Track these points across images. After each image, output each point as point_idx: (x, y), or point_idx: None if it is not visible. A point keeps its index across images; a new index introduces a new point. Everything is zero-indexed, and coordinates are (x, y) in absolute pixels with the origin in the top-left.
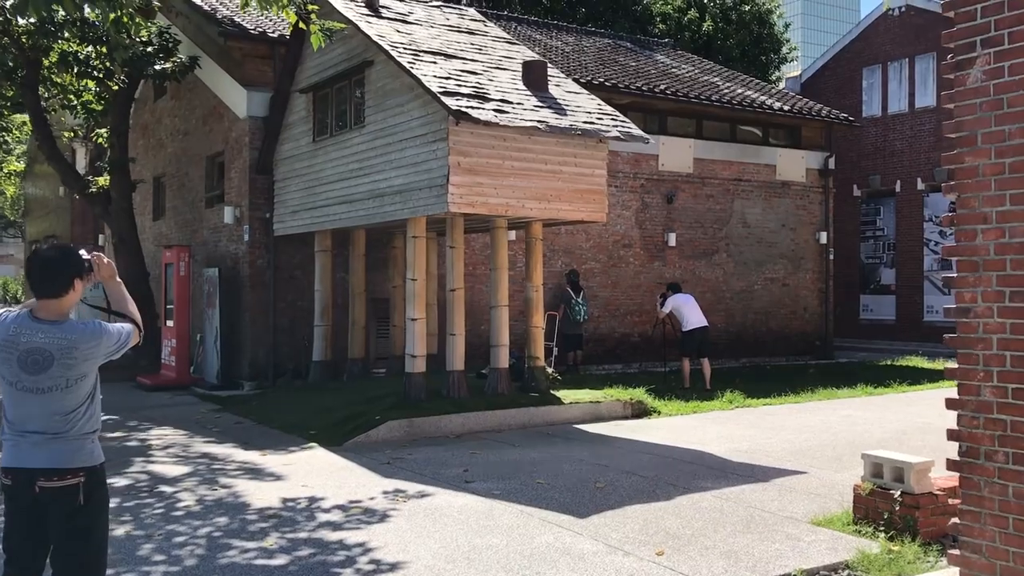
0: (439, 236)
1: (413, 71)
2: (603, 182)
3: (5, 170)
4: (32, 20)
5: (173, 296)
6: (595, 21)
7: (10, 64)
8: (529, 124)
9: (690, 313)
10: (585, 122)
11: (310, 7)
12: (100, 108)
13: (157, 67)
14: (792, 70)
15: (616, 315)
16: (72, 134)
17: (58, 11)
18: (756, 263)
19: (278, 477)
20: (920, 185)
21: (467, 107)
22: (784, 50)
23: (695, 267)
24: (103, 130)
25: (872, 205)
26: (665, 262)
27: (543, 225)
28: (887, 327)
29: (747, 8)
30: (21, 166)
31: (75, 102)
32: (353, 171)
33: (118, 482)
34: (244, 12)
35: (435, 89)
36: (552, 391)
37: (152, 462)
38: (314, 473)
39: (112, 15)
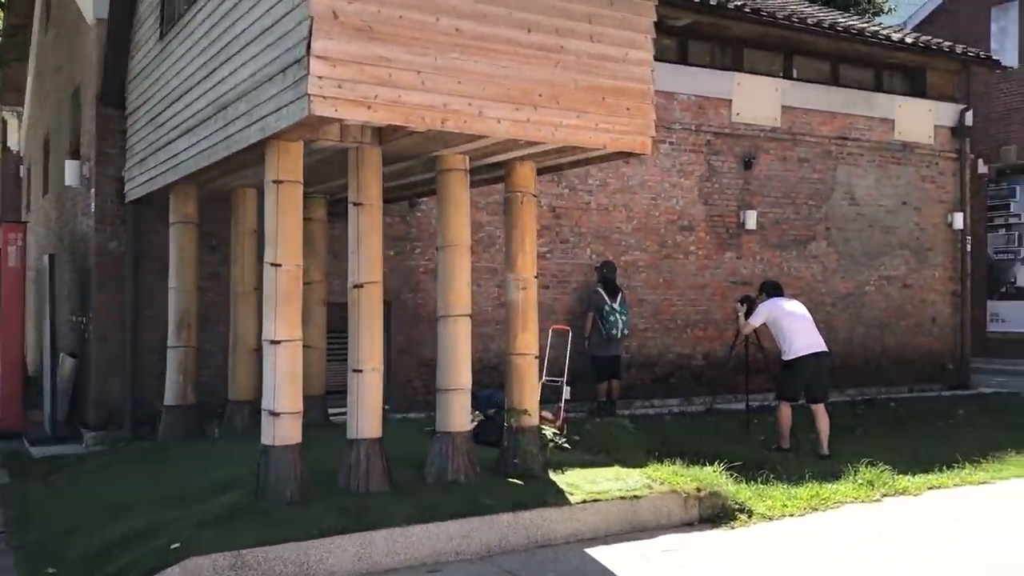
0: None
1: None
2: (646, 75)
3: None
4: None
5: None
6: None
7: None
8: None
9: (798, 330)
10: None
11: None
12: None
13: None
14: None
15: (670, 328)
16: None
17: None
18: (867, 255)
19: None
20: None
21: None
22: None
23: (783, 260)
24: None
25: (1004, 185)
26: (740, 252)
27: (536, 167)
28: None
29: None
30: None
31: None
32: (196, 73)
33: None
34: None
35: None
36: (552, 472)
37: None
38: None
39: None
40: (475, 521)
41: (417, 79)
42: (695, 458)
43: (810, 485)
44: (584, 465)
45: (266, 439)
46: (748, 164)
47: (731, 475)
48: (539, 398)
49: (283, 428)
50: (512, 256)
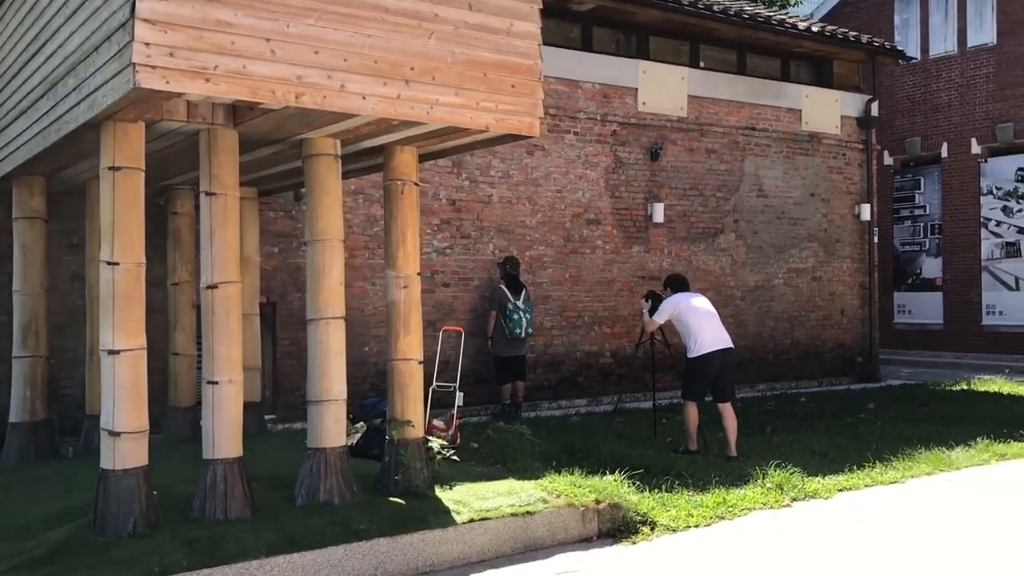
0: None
1: None
2: (533, 49)
3: None
4: None
5: None
6: None
7: None
8: None
9: (702, 325)
10: None
11: None
12: None
13: None
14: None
15: (577, 325)
16: None
17: None
18: (776, 248)
19: None
20: (976, 148)
21: None
22: None
23: (691, 253)
24: None
25: (909, 176)
26: (648, 246)
27: (418, 152)
28: (931, 334)
29: None
30: None
31: None
32: (30, 46)
33: None
34: None
35: None
36: (439, 488)
37: None
38: None
39: None
40: (346, 548)
41: (266, 48)
42: (598, 464)
43: (717, 491)
44: (475, 479)
45: (105, 463)
46: (655, 155)
47: (635, 483)
48: (430, 406)
49: (125, 450)
50: (392, 251)
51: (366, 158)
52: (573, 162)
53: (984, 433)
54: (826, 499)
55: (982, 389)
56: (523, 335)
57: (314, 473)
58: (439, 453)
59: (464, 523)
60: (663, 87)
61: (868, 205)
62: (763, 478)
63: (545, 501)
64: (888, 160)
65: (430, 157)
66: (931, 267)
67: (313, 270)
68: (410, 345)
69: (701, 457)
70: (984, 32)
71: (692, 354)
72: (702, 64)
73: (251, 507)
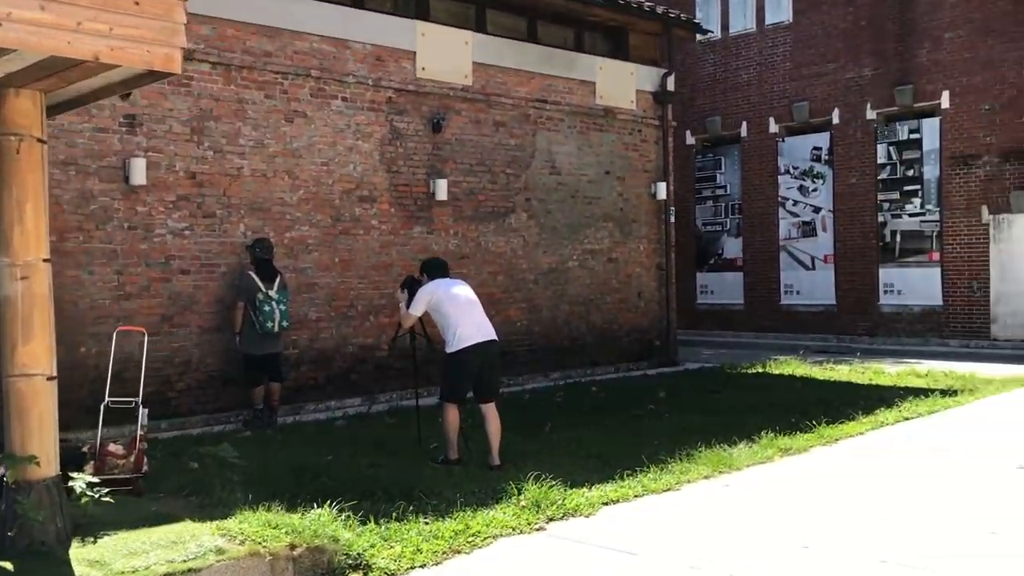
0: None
1: None
2: None
3: None
4: None
5: None
6: None
7: None
8: None
9: (462, 316)
10: None
11: None
12: None
13: None
14: None
15: (349, 316)
16: None
17: None
18: (570, 228)
19: None
20: (774, 127)
21: None
22: None
23: (480, 234)
24: None
25: (710, 156)
26: (431, 226)
27: (48, 100)
28: (733, 314)
29: None
30: None
31: None
32: None
33: None
34: None
35: None
36: (80, 541)
37: None
38: None
39: None
40: None
41: None
42: (325, 489)
43: (461, 515)
44: (140, 522)
45: None
46: (437, 126)
47: (360, 512)
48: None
49: None
50: (5, 231)
51: None
52: (342, 131)
53: (772, 423)
54: (587, 517)
55: (777, 372)
56: (276, 329)
57: None
58: (85, 493)
59: None
60: (445, 52)
61: (664, 184)
62: (519, 494)
63: (221, 551)
64: (690, 139)
65: (68, 106)
66: (732, 247)
67: None
68: (33, 355)
69: (460, 468)
70: (781, 10)
71: (451, 348)
72: (489, 29)
73: None
